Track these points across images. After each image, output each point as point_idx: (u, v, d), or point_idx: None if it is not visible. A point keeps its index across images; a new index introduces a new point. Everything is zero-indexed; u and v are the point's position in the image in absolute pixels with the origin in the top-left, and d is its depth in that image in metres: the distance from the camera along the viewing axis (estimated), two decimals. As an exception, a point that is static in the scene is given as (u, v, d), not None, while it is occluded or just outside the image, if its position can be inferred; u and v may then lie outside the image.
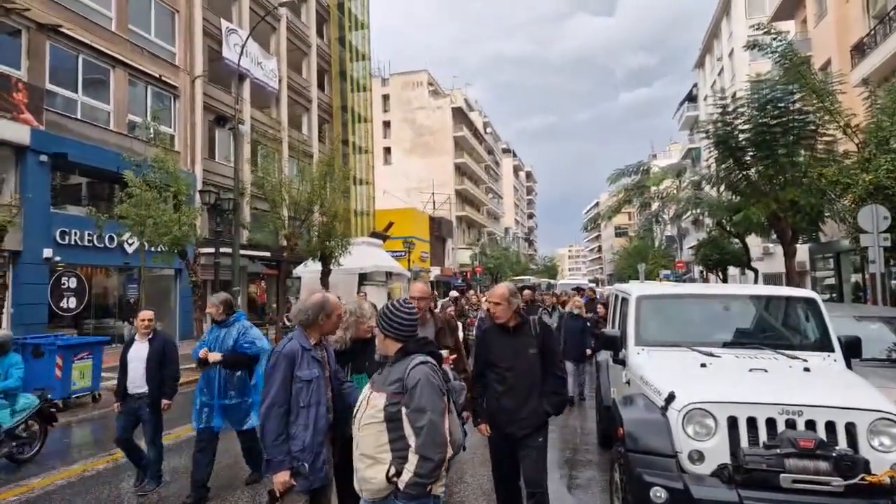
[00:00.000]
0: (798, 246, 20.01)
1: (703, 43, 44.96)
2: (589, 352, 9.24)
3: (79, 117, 16.09)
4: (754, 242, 27.61)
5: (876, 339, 6.47)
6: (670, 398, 3.55)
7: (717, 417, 3.34)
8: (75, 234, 15.49)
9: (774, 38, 13.19)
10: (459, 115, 58.92)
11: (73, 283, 15.72)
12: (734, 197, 15.95)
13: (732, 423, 3.33)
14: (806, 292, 4.93)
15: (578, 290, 16.42)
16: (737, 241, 22.53)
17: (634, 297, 4.95)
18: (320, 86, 31.54)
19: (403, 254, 32.38)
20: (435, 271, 45.27)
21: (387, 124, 56.84)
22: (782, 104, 13.02)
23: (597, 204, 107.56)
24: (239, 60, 17.44)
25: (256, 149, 20.84)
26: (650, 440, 3.45)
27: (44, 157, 14.54)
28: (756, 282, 24.80)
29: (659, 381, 3.87)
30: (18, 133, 13.93)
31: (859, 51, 19.17)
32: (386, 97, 56.74)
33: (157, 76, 18.69)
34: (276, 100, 26.62)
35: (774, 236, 17.43)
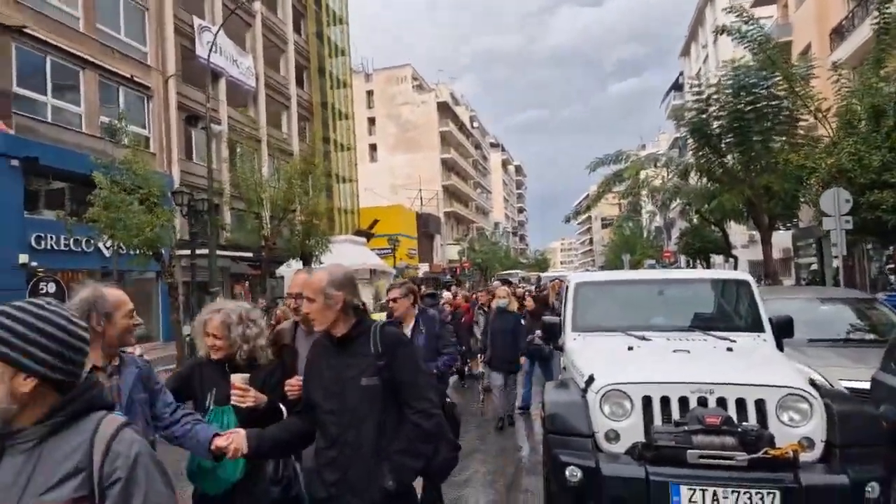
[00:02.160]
0: (781, 232, 20.22)
1: (689, 30, 45.05)
2: (523, 359, 7.46)
3: (49, 120, 15.94)
4: (739, 230, 27.78)
5: (833, 321, 6.56)
6: (590, 380, 3.59)
7: (633, 398, 3.39)
8: (51, 238, 15.37)
9: (746, 22, 13.21)
10: (445, 110, 58.81)
11: (51, 288, 15.52)
12: (711, 184, 16.02)
13: (647, 402, 3.38)
14: (738, 274, 4.98)
15: (506, 282, 15.65)
16: (717, 228, 22.62)
17: (573, 283, 4.96)
18: (299, 83, 31.38)
19: (389, 251, 32.34)
20: (423, 268, 45.27)
21: (371, 121, 56.67)
22: (756, 90, 13.07)
23: (587, 196, 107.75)
24: (209, 56, 17.27)
25: (235, 148, 20.74)
26: (568, 421, 3.50)
27: (14, 162, 14.39)
28: (735, 269, 24.91)
29: (584, 365, 3.91)
30: (-14, 137, 13.80)
31: (838, 34, 19.22)
32: (370, 93, 56.52)
33: (129, 76, 18.53)
34: (254, 98, 26.47)
35: (753, 223, 17.51)
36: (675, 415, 3.29)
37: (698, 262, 29.54)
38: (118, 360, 2.33)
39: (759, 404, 3.24)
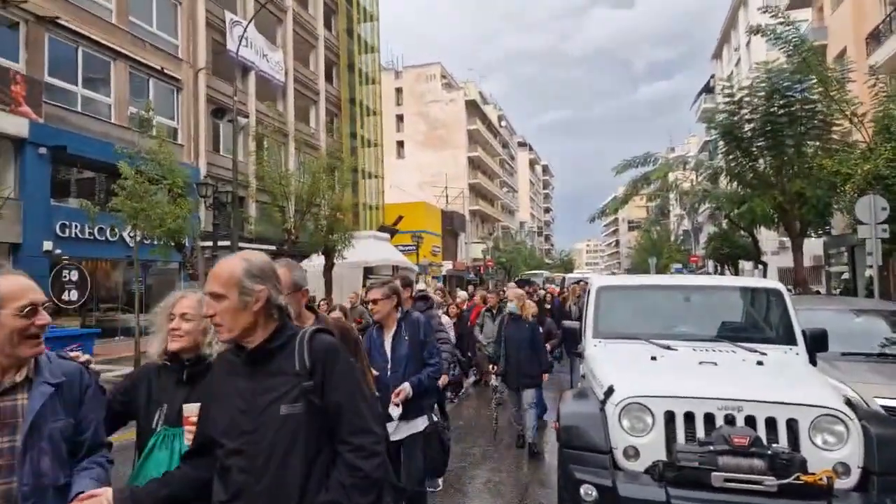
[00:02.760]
0: (813, 239, 19.57)
1: (721, 33, 44.10)
2: (546, 376, 6.42)
3: (79, 110, 16.19)
4: (770, 236, 27.03)
5: (867, 334, 6.23)
6: (609, 392, 3.39)
7: (654, 412, 3.18)
8: (76, 226, 15.61)
9: (781, 23, 12.79)
10: (473, 108, 58.56)
11: (74, 275, 15.83)
12: (742, 189, 15.60)
13: (670, 418, 3.17)
14: (770, 283, 4.70)
15: (526, 283, 14.82)
16: (746, 234, 22.05)
17: (595, 287, 4.75)
18: (328, 78, 31.47)
19: (413, 248, 32.25)
20: (447, 265, 45.13)
21: (400, 118, 56.72)
22: (789, 93, 12.67)
23: (614, 198, 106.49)
24: (238, 49, 17.39)
25: (262, 142, 20.88)
26: (585, 435, 3.30)
27: (42, 150, 14.65)
28: (765, 276, 24.25)
29: (603, 375, 3.70)
30: (17, 126, 14.04)
31: (875, 38, 18.60)
32: (399, 90, 56.57)
33: (160, 68, 18.74)
34: (283, 92, 26.62)
35: (784, 229, 17.01)
36: (700, 433, 3.09)
37: (727, 267, 28.85)
38: (28, 370, 1.78)
39: (791, 425, 3.02)
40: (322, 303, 10.94)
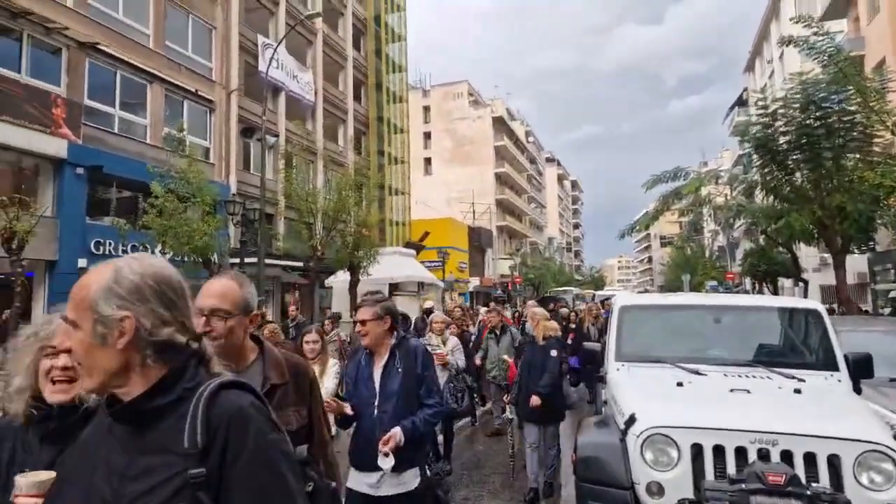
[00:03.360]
0: (856, 255, 18.77)
1: (753, 46, 43.40)
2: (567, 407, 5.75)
3: (116, 131, 16.68)
4: (810, 252, 26.07)
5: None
6: (630, 421, 3.16)
7: (680, 445, 2.95)
8: (110, 244, 15.97)
9: (815, 33, 12.43)
10: (500, 125, 58.67)
11: (108, 292, 16.22)
12: (779, 203, 15.10)
13: (697, 451, 2.93)
14: (807, 302, 4.42)
15: (549, 300, 13.65)
16: (784, 250, 21.31)
17: (617, 306, 4.54)
18: (356, 97, 31.90)
19: (439, 265, 32.18)
20: (474, 282, 44.89)
21: (427, 135, 57.12)
22: (826, 104, 12.25)
23: (645, 213, 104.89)
24: (267, 70, 17.71)
25: (290, 160, 21.20)
26: (603, 468, 3.08)
27: (80, 170, 15.09)
28: (805, 295, 23.38)
29: (625, 402, 3.48)
30: (56, 147, 14.53)
31: (917, 46, 17.96)
32: (427, 108, 57.07)
33: (194, 90, 19.23)
34: (312, 112, 27.04)
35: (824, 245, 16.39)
36: (731, 468, 2.85)
37: (765, 285, 27.90)
38: None
39: (833, 461, 2.77)
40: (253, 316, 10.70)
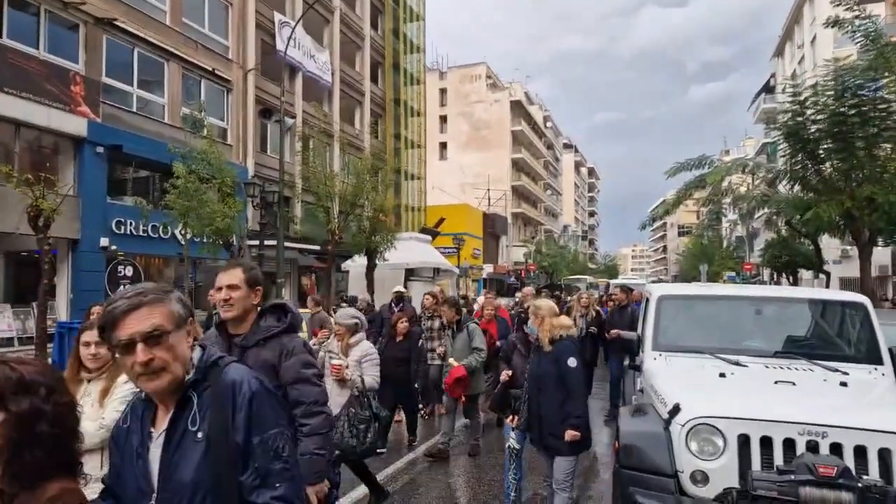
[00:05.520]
0: (880, 248, 18.36)
1: (783, 29, 42.31)
2: (569, 433, 3.79)
3: (134, 110, 16.64)
4: (832, 244, 25.59)
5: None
6: (674, 410, 3.09)
7: (727, 435, 2.90)
8: (131, 223, 16.03)
9: (857, 16, 12.01)
10: (518, 109, 58.01)
11: (129, 271, 16.31)
12: (805, 194, 14.77)
13: (744, 441, 2.89)
14: (854, 296, 4.27)
15: (554, 287, 12.61)
16: (808, 241, 20.89)
17: (655, 296, 4.41)
18: (373, 79, 31.64)
19: (454, 251, 32.06)
20: (488, 268, 44.76)
21: (443, 119, 56.71)
22: (862, 92, 11.88)
23: (663, 202, 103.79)
24: (286, 49, 17.54)
25: (307, 142, 21.13)
26: (647, 456, 3.04)
27: (100, 149, 15.10)
28: (827, 286, 22.99)
29: (667, 391, 3.39)
30: (76, 125, 14.53)
31: (956, 32, 17.34)
32: (443, 91, 56.56)
33: (211, 69, 19.13)
34: (329, 93, 26.86)
35: (850, 237, 16.05)
36: (778, 459, 2.79)
37: (784, 276, 27.49)
38: None
39: (884, 455, 2.70)
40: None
